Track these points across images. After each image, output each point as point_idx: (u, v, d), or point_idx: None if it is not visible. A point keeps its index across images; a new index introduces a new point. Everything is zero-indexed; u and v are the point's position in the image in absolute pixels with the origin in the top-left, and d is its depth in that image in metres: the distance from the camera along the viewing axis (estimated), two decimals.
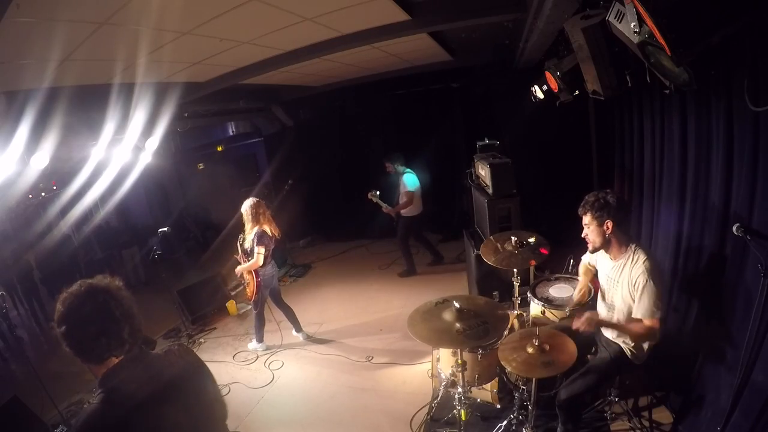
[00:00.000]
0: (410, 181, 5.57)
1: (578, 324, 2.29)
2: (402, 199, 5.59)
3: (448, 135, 6.89)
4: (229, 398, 3.82)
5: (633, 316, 2.31)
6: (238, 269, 4.24)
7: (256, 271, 4.14)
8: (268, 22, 2.93)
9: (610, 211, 2.27)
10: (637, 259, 2.29)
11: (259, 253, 4.06)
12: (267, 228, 4.18)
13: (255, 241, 4.08)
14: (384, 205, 5.64)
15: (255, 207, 4.17)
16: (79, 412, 1.46)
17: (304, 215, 7.95)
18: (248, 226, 4.18)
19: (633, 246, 2.35)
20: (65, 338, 1.26)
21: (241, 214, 4.23)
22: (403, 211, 5.64)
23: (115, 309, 1.29)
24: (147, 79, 3.66)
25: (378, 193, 5.61)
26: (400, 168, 5.64)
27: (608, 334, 2.54)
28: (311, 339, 4.65)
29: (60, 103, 3.33)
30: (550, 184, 5.71)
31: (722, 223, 2.42)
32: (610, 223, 2.28)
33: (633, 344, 2.40)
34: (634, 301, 2.29)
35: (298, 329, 4.67)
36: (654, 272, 2.23)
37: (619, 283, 2.37)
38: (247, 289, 4.30)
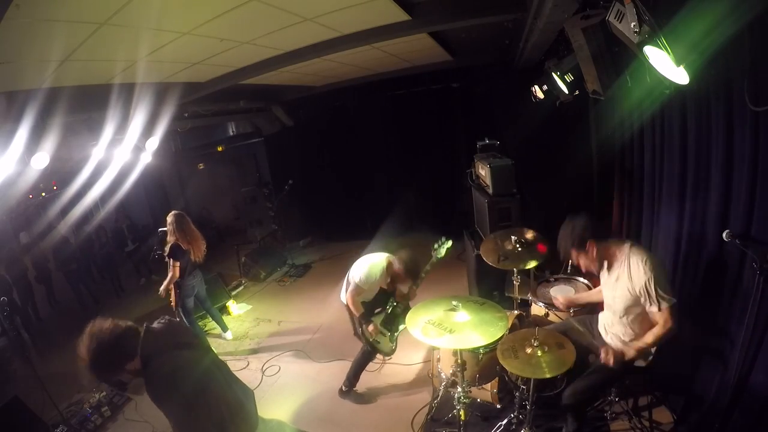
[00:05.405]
0: None
1: (605, 359, 2.29)
2: None
3: (448, 135, 6.88)
4: None
5: (648, 310, 2.27)
6: (162, 290, 4.24)
7: (176, 283, 4.19)
8: (268, 22, 2.93)
9: (584, 233, 2.32)
10: (634, 256, 2.29)
11: (174, 266, 4.12)
12: (183, 242, 4.17)
13: (169, 253, 4.12)
14: None
15: (176, 220, 4.19)
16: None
17: (304, 215, 7.97)
18: (169, 238, 4.20)
19: (627, 246, 2.35)
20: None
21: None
22: None
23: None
24: (147, 79, 3.66)
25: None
26: None
27: (610, 341, 2.51)
28: (305, 345, 4.62)
29: (60, 103, 3.34)
30: (550, 184, 5.70)
31: (722, 222, 2.42)
32: (591, 244, 2.33)
33: (636, 348, 2.34)
34: (640, 294, 2.25)
35: (225, 330, 4.88)
36: (654, 260, 2.24)
37: (619, 281, 2.36)
38: (171, 300, 4.32)
